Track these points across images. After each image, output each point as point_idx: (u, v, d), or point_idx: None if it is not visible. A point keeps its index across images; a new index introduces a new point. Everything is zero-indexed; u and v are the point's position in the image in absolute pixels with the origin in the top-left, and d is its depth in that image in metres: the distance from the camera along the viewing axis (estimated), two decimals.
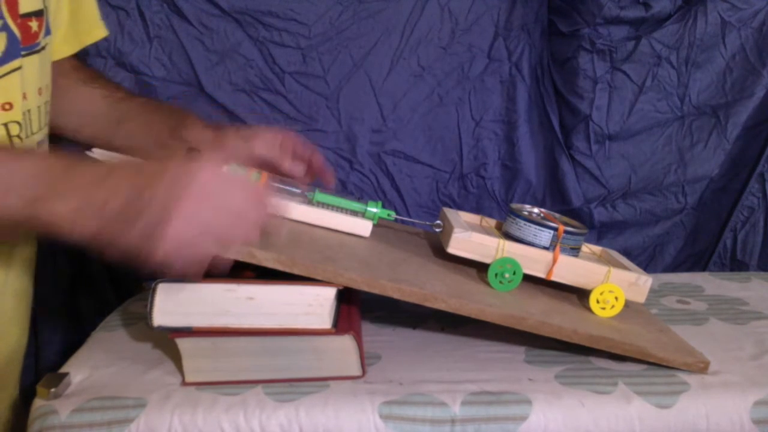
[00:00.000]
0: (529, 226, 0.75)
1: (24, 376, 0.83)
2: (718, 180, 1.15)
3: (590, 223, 1.15)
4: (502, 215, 0.88)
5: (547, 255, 0.74)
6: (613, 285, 0.74)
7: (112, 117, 0.85)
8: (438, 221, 0.80)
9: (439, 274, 0.74)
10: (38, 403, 0.62)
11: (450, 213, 0.81)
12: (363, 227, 0.77)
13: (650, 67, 1.10)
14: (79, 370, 0.68)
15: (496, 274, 0.73)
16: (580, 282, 0.75)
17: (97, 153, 0.72)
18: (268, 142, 0.80)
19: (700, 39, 1.08)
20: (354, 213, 0.79)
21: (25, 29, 0.69)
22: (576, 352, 0.74)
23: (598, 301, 0.75)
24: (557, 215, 0.81)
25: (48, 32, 0.73)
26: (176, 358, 0.68)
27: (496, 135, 1.14)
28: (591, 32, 1.09)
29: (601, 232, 1.17)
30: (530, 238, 0.75)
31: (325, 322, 0.64)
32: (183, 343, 0.65)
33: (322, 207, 0.78)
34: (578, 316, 0.73)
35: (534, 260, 0.74)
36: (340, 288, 0.65)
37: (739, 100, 1.11)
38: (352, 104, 1.10)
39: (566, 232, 0.74)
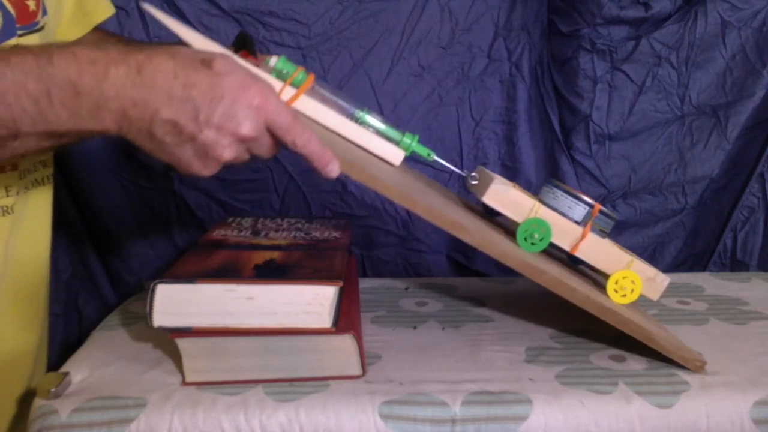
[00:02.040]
0: (566, 197, 0.74)
1: None
2: (718, 180, 1.15)
3: None
4: None
5: (577, 229, 0.73)
6: (634, 274, 0.74)
7: None
8: (474, 173, 0.79)
9: (468, 215, 0.74)
10: (38, 403, 0.62)
11: (487, 170, 0.80)
12: (395, 154, 0.73)
13: (650, 67, 1.10)
14: (79, 370, 0.68)
15: (525, 235, 0.73)
16: (602, 264, 0.75)
17: (147, 6, 0.68)
18: None
19: (700, 39, 1.08)
20: (389, 140, 0.75)
21: (21, 8, 0.68)
22: (576, 353, 0.74)
23: (616, 282, 0.74)
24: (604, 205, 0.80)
25: (45, 12, 0.72)
26: (176, 357, 0.68)
27: (496, 135, 1.14)
28: (591, 32, 1.09)
29: None
30: (564, 209, 0.74)
31: (325, 321, 0.64)
32: (183, 343, 0.65)
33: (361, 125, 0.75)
34: (592, 290, 0.73)
35: (563, 231, 0.74)
36: (340, 286, 0.65)
37: (739, 100, 1.11)
38: None
39: (601, 212, 0.74)
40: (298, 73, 0.69)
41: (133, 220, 1.11)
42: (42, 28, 0.72)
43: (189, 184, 1.09)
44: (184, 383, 0.66)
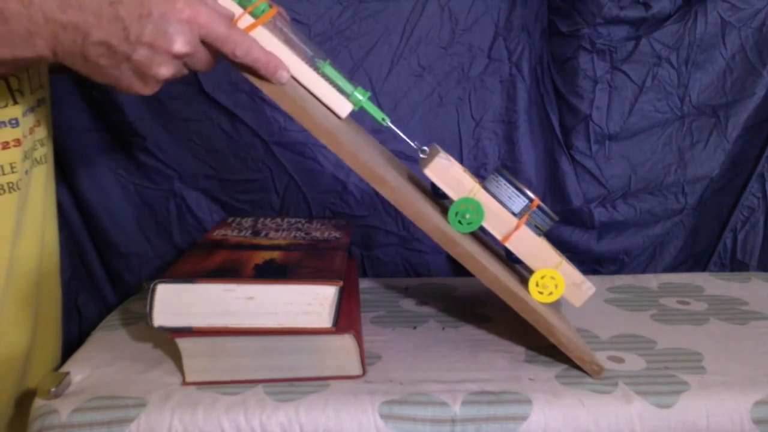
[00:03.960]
0: (508, 186, 0.74)
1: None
2: (718, 180, 1.15)
3: (590, 223, 1.15)
4: None
5: (513, 220, 0.73)
6: (558, 274, 0.73)
7: None
8: (425, 148, 0.78)
9: (401, 179, 0.72)
10: (38, 403, 0.62)
11: (438, 147, 0.79)
12: (342, 106, 0.71)
13: (650, 67, 1.10)
14: (79, 370, 0.68)
15: (457, 212, 0.72)
16: (530, 260, 0.74)
17: None
18: None
19: (700, 39, 1.08)
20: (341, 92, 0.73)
21: None
22: None
23: (542, 277, 0.73)
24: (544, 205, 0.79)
25: None
26: (176, 357, 0.68)
27: (496, 135, 1.14)
28: (591, 32, 1.09)
29: (601, 232, 1.17)
30: (503, 198, 0.74)
31: (325, 321, 0.65)
32: (183, 343, 0.65)
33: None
34: (509, 276, 0.72)
35: (498, 219, 0.73)
36: (340, 286, 0.65)
37: (739, 100, 1.11)
38: None
39: (539, 207, 0.74)
40: (261, 3, 0.67)
41: (133, 220, 1.11)
42: None
43: (189, 184, 1.09)
44: (184, 383, 0.66)
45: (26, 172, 0.73)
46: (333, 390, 0.65)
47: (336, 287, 0.65)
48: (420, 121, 1.12)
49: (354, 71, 1.08)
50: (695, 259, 1.20)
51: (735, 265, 1.18)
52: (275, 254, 0.73)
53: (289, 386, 0.65)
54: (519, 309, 0.69)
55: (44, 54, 0.56)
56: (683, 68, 1.10)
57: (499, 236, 0.73)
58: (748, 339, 0.79)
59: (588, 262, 1.17)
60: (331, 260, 0.72)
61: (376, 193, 1.13)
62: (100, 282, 1.13)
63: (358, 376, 0.67)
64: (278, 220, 0.89)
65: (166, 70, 0.57)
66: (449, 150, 1.13)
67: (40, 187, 0.78)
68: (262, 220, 0.89)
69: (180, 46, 0.56)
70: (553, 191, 1.16)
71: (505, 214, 0.73)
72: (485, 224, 0.73)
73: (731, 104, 1.11)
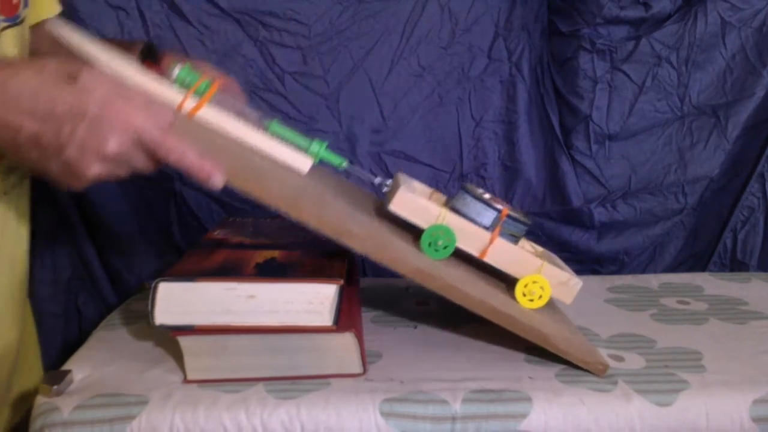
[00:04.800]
0: (475, 203, 0.73)
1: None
2: (718, 180, 1.15)
3: (590, 223, 1.15)
4: None
5: (486, 235, 0.72)
6: (542, 278, 0.73)
7: None
8: (389, 181, 0.77)
9: (369, 223, 0.72)
10: (41, 400, 0.62)
11: (403, 177, 0.79)
12: (302, 162, 0.71)
13: (650, 67, 1.10)
14: (81, 368, 0.68)
15: (429, 242, 0.71)
16: (512, 269, 0.73)
17: (54, 26, 0.67)
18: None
19: (700, 39, 1.09)
20: (298, 148, 0.73)
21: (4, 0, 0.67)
22: None
23: (526, 286, 0.73)
24: (516, 210, 0.77)
25: (26, 5, 0.72)
26: (177, 356, 0.68)
27: (496, 135, 1.14)
28: (591, 32, 1.09)
29: (601, 232, 1.17)
30: (473, 215, 0.73)
31: (326, 319, 0.65)
32: (185, 341, 0.65)
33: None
34: (493, 293, 0.72)
35: (471, 236, 0.72)
36: (341, 285, 0.65)
37: (739, 100, 1.11)
38: (352, 104, 1.10)
39: (509, 216, 0.73)
40: (202, 82, 0.68)
41: (133, 220, 1.11)
42: (21, 21, 0.71)
43: (189, 184, 1.09)
44: (186, 381, 0.66)
45: (13, 186, 0.73)
46: (334, 388, 0.65)
47: (337, 286, 0.65)
48: (420, 121, 1.12)
49: (354, 71, 1.09)
50: (695, 259, 1.20)
51: (735, 265, 1.18)
52: (276, 253, 0.73)
53: (291, 384, 0.65)
54: (509, 326, 0.69)
55: None
56: (683, 68, 1.10)
57: (476, 253, 0.73)
58: (747, 339, 0.79)
59: (588, 262, 1.17)
60: (331, 259, 0.72)
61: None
62: (100, 282, 1.13)
63: (358, 375, 0.67)
64: (278, 219, 0.89)
65: (95, 170, 0.57)
66: (449, 150, 1.15)
67: (28, 195, 0.78)
68: (262, 219, 0.89)
69: (112, 148, 0.56)
70: (553, 191, 1.16)
71: (477, 230, 0.72)
72: (460, 244, 0.72)
73: (731, 104, 1.11)
